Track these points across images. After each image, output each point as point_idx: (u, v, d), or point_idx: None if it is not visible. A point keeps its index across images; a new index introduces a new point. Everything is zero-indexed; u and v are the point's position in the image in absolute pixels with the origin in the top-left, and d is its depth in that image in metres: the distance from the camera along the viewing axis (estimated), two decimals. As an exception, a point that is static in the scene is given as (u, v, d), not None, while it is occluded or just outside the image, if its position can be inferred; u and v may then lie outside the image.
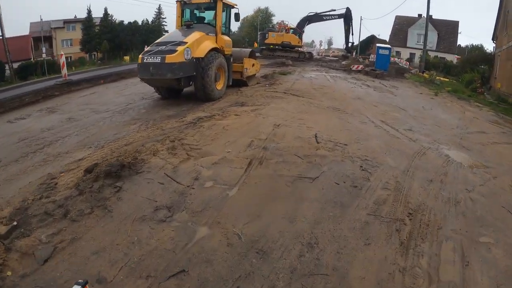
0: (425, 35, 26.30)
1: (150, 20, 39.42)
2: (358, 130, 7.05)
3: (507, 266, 3.22)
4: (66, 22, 41.64)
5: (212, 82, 9.85)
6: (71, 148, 6.29)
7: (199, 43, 9.71)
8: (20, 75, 26.55)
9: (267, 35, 27.59)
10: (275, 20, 49.70)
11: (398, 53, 37.85)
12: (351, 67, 22.35)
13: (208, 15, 11.44)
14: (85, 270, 2.92)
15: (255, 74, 14.44)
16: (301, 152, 5.49)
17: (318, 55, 39.00)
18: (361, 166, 5.06)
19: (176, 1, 11.02)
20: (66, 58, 41.57)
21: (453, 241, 3.53)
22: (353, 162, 5.20)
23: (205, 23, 11.08)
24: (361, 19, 48.64)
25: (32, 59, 32.99)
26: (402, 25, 42.20)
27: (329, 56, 38.89)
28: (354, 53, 30.16)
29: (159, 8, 45.40)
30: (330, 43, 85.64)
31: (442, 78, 23.21)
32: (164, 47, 9.17)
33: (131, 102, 10.24)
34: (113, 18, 36.75)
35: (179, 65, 8.86)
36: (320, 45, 50.06)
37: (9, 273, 2.92)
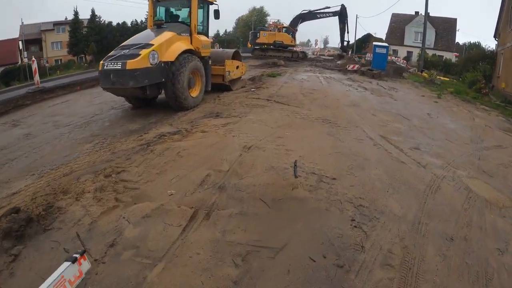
0: (424, 33, 24.64)
1: (140, 20, 37.55)
2: (352, 152, 5.41)
3: None
4: (56, 24, 39.86)
5: (185, 89, 8.33)
6: (14, 174, 5.11)
7: (169, 45, 8.22)
8: (3, 80, 24.93)
9: (258, 34, 25.81)
10: (270, 19, 47.89)
11: (395, 51, 36.16)
12: (347, 67, 20.66)
13: (185, 13, 9.86)
14: None
15: (241, 77, 12.88)
16: (270, 194, 3.87)
17: (313, 54, 37.25)
18: (353, 220, 3.42)
19: None
20: (56, 61, 40.29)
21: None
22: (342, 212, 3.56)
23: (179, 22, 9.57)
24: (356, 17, 46.74)
25: (19, 63, 31.37)
26: (399, 23, 40.46)
27: (324, 55, 37.11)
28: (350, 52, 28.44)
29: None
30: (326, 42, 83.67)
31: (442, 78, 21.59)
32: (127, 50, 7.69)
33: (98, 113, 8.82)
34: (101, 19, 34.97)
35: (143, 72, 7.41)
36: (316, 44, 48.20)
37: None
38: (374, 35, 43.19)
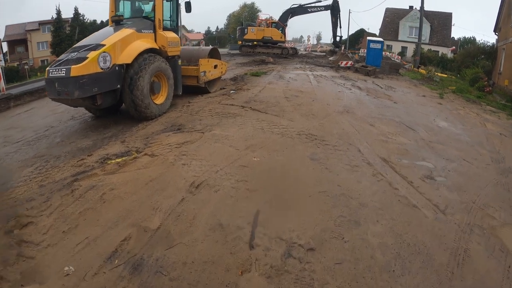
0: (420, 27, 23.01)
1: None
2: (343, 191, 3.77)
3: None
4: (42, 23, 37.79)
5: (146, 95, 6.79)
6: None
7: (125, 45, 6.68)
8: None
9: (246, 30, 23.88)
10: (262, 15, 46.03)
11: (389, 47, 34.47)
12: (339, 63, 18.96)
13: (151, 6, 8.27)
14: None
15: (220, 77, 11.22)
16: (205, 285, 2.23)
17: (305, 50, 35.45)
18: None
19: None
20: (42, 61, 38.07)
21: None
22: None
23: (143, 17, 7.95)
24: (349, 12, 44.90)
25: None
26: (393, 18, 38.70)
27: (316, 51, 35.32)
28: (343, 48, 26.69)
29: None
30: (319, 38, 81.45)
31: (440, 74, 20.01)
32: (76, 53, 6.23)
33: (54, 125, 7.34)
34: (84, 18, 32.90)
35: (92, 78, 5.98)
36: (308, 40, 46.32)
37: None
38: (367, 31, 41.45)
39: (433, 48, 32.99)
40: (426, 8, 24.49)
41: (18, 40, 37.21)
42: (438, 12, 36.83)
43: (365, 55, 21.34)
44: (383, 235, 2.97)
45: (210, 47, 11.18)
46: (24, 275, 2.68)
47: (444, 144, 6.02)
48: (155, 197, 3.60)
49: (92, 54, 6.02)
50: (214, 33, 53.21)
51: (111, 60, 6.29)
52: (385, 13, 39.54)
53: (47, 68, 6.19)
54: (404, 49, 35.35)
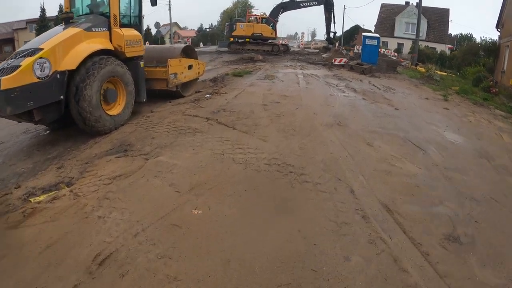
0: (418, 23, 21.43)
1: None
2: (325, 285, 2.19)
3: None
4: (29, 22, 36.04)
5: (96, 106, 5.48)
6: None
7: (68, 48, 5.38)
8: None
9: (234, 26, 22.08)
10: (256, 12, 44.14)
11: (385, 43, 32.80)
12: (333, 61, 17.35)
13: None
14: None
15: (197, 79, 9.64)
16: None
17: (298, 47, 33.72)
18: None
19: None
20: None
21: None
22: None
23: (98, 14, 6.54)
24: (344, 8, 43.08)
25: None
26: (389, 14, 36.98)
27: (310, 48, 33.56)
28: (337, 44, 25.02)
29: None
30: (313, 35, 79.20)
31: (439, 72, 18.45)
32: (13, 60, 5.03)
33: (5, 141, 6.05)
34: (70, 17, 31.04)
35: (25, 90, 4.81)
36: (303, 37, 44.54)
37: None
38: (362, 27, 39.74)
39: (430, 45, 31.44)
40: (423, 3, 22.90)
41: (6, 40, 35.40)
42: (435, 8, 35.20)
43: (360, 52, 19.73)
44: None
45: (183, 45, 9.60)
46: None
47: (464, 171, 4.48)
48: (44, 277, 2.21)
49: (26, 62, 4.73)
50: (207, 30, 51.22)
51: (51, 67, 5.03)
52: (380, 9, 37.86)
53: None
54: (400, 46, 33.76)
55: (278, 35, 27.00)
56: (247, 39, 22.40)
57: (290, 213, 3.01)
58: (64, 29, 5.77)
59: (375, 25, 37.97)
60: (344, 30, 37.77)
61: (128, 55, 6.46)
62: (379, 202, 3.31)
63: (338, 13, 26.47)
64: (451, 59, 23.65)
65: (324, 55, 21.29)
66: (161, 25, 28.57)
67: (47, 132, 6.18)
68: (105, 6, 6.68)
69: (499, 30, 20.35)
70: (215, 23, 54.12)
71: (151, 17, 51.95)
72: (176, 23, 53.90)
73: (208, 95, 8.59)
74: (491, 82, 14.14)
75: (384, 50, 26.44)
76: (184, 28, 58.65)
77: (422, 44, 29.79)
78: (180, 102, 7.83)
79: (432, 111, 8.02)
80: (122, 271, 2.40)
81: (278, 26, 23.14)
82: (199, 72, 9.41)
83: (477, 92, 13.41)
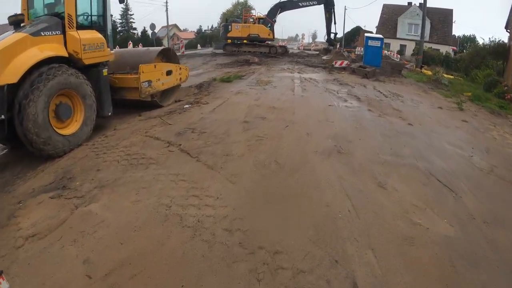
0: (422, 24, 19.92)
1: (115, 17, 32.23)
2: None
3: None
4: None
5: (42, 126, 4.52)
6: None
7: (9, 57, 4.40)
8: None
9: (230, 27, 20.68)
10: (258, 13, 42.72)
11: (387, 45, 31.28)
12: (334, 63, 15.94)
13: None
14: None
15: (179, 85, 8.38)
16: None
17: (298, 49, 32.24)
18: None
19: None
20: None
21: None
22: None
23: (52, 15, 5.43)
24: (345, 8, 41.49)
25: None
26: (391, 14, 35.46)
27: (310, 49, 32.05)
28: (338, 46, 23.55)
29: (126, 3, 38.27)
30: (314, 36, 77.37)
31: (446, 75, 16.97)
32: None
33: None
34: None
35: None
36: (303, 38, 43.07)
37: None
38: (363, 28, 38.14)
39: (434, 46, 29.94)
40: (427, 4, 21.46)
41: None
42: (438, 8, 33.63)
43: (362, 53, 18.27)
44: None
45: (161, 47, 8.31)
46: None
47: (509, 225, 3.05)
48: None
49: None
50: (207, 31, 49.82)
51: None
52: (382, 10, 36.36)
53: None
54: (403, 47, 32.25)
55: (278, 36, 25.65)
56: (244, 41, 21.00)
57: None
58: (10, 35, 4.71)
59: (377, 26, 36.47)
60: (345, 32, 36.22)
61: (86, 62, 5.34)
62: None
63: (339, 14, 24.99)
64: (457, 61, 22.09)
65: (324, 57, 19.87)
66: (159, 27, 27.26)
67: (5, 151, 5.13)
68: (60, 5, 5.49)
69: (508, 31, 18.84)
70: (215, 25, 52.73)
71: (151, 19, 50.69)
72: (175, 25, 52.55)
73: (187, 106, 7.26)
74: (506, 88, 12.65)
75: (386, 51, 24.95)
76: (184, 30, 57.32)
77: (426, 46, 28.29)
78: (151, 115, 6.52)
79: (450, 126, 6.61)
80: None
81: (278, 27, 21.83)
82: (180, 78, 8.12)
83: (491, 98, 11.97)
